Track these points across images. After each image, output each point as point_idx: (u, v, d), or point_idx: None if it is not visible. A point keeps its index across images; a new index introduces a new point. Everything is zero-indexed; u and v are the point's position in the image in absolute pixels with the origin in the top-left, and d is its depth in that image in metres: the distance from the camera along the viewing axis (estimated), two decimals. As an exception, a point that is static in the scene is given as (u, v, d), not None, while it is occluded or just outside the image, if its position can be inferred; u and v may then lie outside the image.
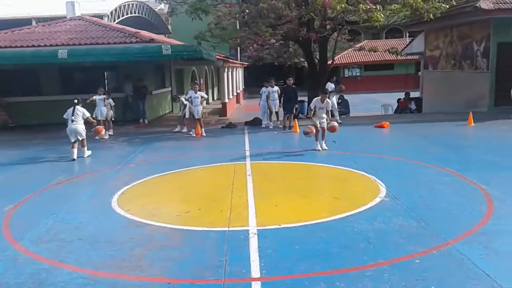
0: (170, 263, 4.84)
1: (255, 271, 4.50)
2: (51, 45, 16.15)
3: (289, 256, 4.83)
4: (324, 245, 5.10)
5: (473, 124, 13.48)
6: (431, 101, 20.65)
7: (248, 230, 5.60)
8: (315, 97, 18.90)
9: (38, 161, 10.85)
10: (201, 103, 14.16)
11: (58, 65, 16.72)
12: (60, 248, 5.32)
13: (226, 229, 5.68)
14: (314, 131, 10.73)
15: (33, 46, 16.22)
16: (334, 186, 7.76)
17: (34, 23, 28.05)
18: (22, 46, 16.27)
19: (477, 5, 15.23)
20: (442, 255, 4.70)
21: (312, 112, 10.89)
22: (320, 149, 10.67)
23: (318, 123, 10.70)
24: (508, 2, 15.46)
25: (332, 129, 10.86)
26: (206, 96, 15.14)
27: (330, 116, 11.27)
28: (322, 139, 10.85)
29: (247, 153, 10.83)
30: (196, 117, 13.95)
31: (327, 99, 10.94)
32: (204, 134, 13.89)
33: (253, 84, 35.55)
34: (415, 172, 8.41)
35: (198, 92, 14.30)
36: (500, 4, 15.35)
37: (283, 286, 4.24)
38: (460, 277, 4.22)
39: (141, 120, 17.28)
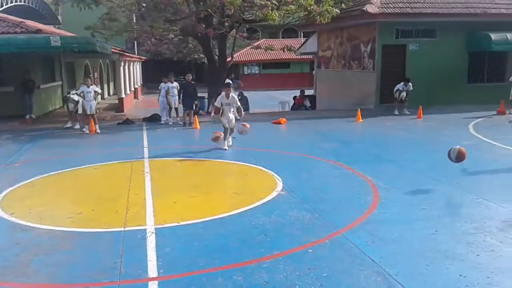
0: (60, 267, 4.56)
1: (152, 271, 4.41)
2: None
3: (187, 253, 4.81)
4: (222, 240, 5.15)
5: (361, 120, 14.47)
6: (324, 99, 21.78)
7: (145, 230, 5.47)
8: (215, 93, 19.07)
9: None
10: (95, 98, 13.48)
11: None
12: None
13: (122, 229, 5.50)
14: (222, 135, 10.34)
15: None
16: (234, 182, 7.87)
17: None
18: None
19: (364, 9, 16.34)
20: (333, 244, 4.99)
21: (220, 112, 10.27)
22: (227, 148, 10.30)
23: (226, 123, 10.24)
24: (392, 7, 16.81)
25: (244, 133, 10.62)
26: (99, 91, 14.44)
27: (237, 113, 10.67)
28: (226, 138, 10.42)
29: (145, 150, 10.56)
30: (89, 113, 13.25)
31: (232, 94, 10.49)
32: (98, 130, 13.26)
33: (151, 80, 34.66)
34: (309, 166, 8.83)
35: (91, 87, 13.57)
36: (384, 9, 16.63)
37: (181, 284, 4.21)
38: (349, 264, 4.50)
39: (27, 116, 16.00)
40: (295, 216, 5.91)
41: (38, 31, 15.71)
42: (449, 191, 6.89)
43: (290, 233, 5.36)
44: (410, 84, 15.50)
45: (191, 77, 14.95)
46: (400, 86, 15.58)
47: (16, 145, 11.42)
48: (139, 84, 35.70)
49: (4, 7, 28.37)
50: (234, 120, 10.46)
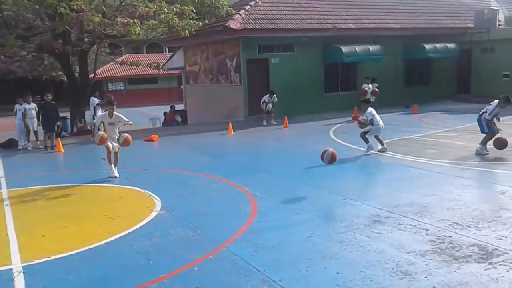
0: None
1: (24, 314, 3.99)
2: None
3: (63, 290, 4.45)
4: (102, 270, 4.87)
5: (233, 132, 14.84)
6: (195, 113, 21.89)
7: (11, 269, 4.94)
8: (78, 112, 18.00)
9: None
10: None
11: None
12: None
13: (-17, 272, 4.88)
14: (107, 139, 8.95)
15: None
16: (108, 206, 7.46)
17: None
18: None
19: (227, 24, 16.86)
20: (218, 259, 5.02)
21: (96, 133, 9.23)
22: (117, 175, 9.04)
23: (110, 146, 9.03)
24: (253, 23, 17.58)
25: (126, 143, 9.13)
26: None
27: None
28: (115, 165, 9.19)
29: (2, 180, 9.51)
30: None
31: (116, 112, 9.04)
32: None
33: (3, 101, 31.40)
34: (187, 182, 8.79)
35: None
36: (246, 25, 17.32)
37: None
38: (235, 276, 4.57)
39: None
40: (177, 234, 5.82)
41: None
42: (319, 194, 7.39)
43: (174, 253, 5.27)
44: (275, 96, 16.35)
45: (50, 97, 13.82)
46: (266, 98, 16.33)
47: None
48: (-12, 107, 32.12)
49: None
50: (120, 141, 9.02)
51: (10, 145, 14.18)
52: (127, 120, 9.17)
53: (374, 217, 6.08)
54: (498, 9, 22.40)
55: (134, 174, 9.50)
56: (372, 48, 19.18)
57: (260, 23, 17.70)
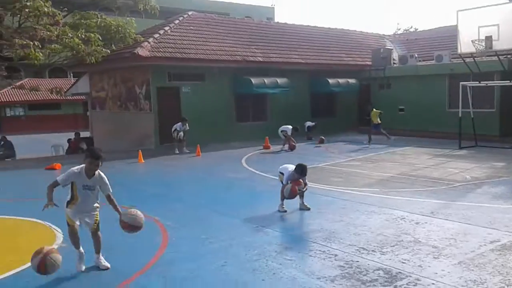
0: None
1: None
2: None
3: None
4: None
5: (143, 161, 14.41)
6: (103, 140, 20.98)
7: None
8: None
9: None
10: None
11: None
12: None
13: None
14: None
15: None
16: (3, 240, 6.80)
17: None
18: None
19: (135, 51, 16.58)
20: (125, 293, 4.76)
21: (68, 200, 5.67)
22: (108, 266, 5.66)
23: (77, 221, 5.81)
24: (162, 51, 17.47)
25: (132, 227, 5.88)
26: None
27: None
28: (98, 252, 5.80)
29: None
30: None
31: (99, 171, 5.61)
32: None
33: None
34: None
35: None
36: (155, 53, 17.16)
37: None
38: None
39: None
40: (82, 269, 5.43)
41: None
42: (232, 222, 7.36)
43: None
44: (187, 124, 16.22)
45: None
46: (178, 126, 16.15)
47: None
48: None
49: None
50: (95, 217, 5.66)
51: None
52: (110, 191, 5.65)
53: (285, 244, 6.18)
54: (392, 49, 24.50)
55: (33, 204, 8.74)
56: (280, 80, 19.93)
57: (170, 52, 17.65)
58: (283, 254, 5.77)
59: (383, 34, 30.87)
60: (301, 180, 7.89)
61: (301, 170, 7.84)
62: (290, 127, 16.48)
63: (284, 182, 7.92)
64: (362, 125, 21.85)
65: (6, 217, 8.02)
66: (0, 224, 7.76)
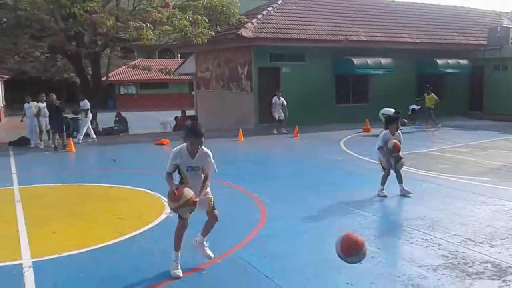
0: None
1: (33, 309, 4.00)
2: None
3: (72, 287, 4.45)
4: (111, 269, 4.87)
5: (243, 139, 14.85)
6: (205, 119, 21.90)
7: (21, 264, 4.95)
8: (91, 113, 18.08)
9: None
10: None
11: None
12: None
13: (-7, 266, 4.90)
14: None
15: None
16: (118, 207, 7.47)
17: None
18: None
19: (239, 32, 16.95)
20: (226, 264, 5.00)
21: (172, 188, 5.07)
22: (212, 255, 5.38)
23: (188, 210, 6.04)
24: (265, 32, 17.67)
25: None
26: None
27: None
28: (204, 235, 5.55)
29: (14, 177, 9.59)
30: None
31: (204, 149, 5.16)
32: None
33: (17, 100, 31.75)
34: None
35: None
36: (258, 33, 17.42)
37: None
38: (244, 282, 4.56)
39: None
40: (185, 237, 5.77)
41: None
42: (329, 203, 7.35)
43: (183, 255, 5.24)
44: (283, 99, 16.23)
45: (55, 97, 13.78)
46: (274, 99, 16.25)
47: None
48: (2, 105, 32.49)
49: None
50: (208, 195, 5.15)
51: (22, 143, 14.30)
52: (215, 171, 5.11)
53: (384, 229, 6.04)
54: (510, 27, 22.34)
55: (144, 176, 9.53)
56: (383, 61, 19.18)
57: (272, 32, 17.80)
58: (382, 239, 5.66)
59: (500, 11, 28.23)
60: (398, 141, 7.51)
61: (391, 118, 7.56)
62: (392, 110, 15.86)
63: (381, 144, 7.56)
64: (473, 109, 20.38)
65: (120, 186, 8.76)
66: (114, 192, 8.49)
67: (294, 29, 18.41)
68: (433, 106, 17.46)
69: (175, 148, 4.90)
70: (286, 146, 13.95)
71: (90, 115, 14.92)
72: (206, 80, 22.39)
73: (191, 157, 4.88)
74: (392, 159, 7.60)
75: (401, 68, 19.91)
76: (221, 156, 12.04)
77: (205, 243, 5.06)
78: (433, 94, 17.57)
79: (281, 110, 16.27)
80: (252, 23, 17.83)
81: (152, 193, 8.05)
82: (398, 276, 4.60)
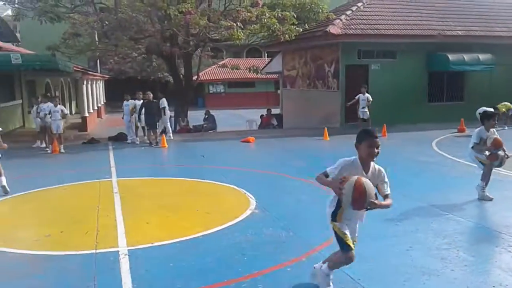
0: (31, 294, 4.36)
1: (128, 294, 4.27)
2: None
3: (163, 275, 4.69)
4: (199, 260, 5.05)
5: (328, 138, 14.68)
6: (291, 117, 22.02)
7: (118, 251, 5.30)
8: (182, 112, 18.94)
9: None
10: (62, 117, 13.09)
11: None
12: None
13: (94, 251, 5.31)
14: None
15: None
16: (206, 201, 7.75)
17: None
18: None
19: (327, 30, 16.75)
20: (311, 262, 4.94)
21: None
22: None
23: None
24: (354, 28, 17.30)
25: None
26: (67, 111, 13.91)
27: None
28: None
29: (113, 170, 10.32)
30: (55, 132, 12.87)
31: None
32: (62, 150, 12.86)
33: (115, 98, 34.15)
34: (281, 184, 8.85)
35: (58, 106, 13.21)
36: (346, 30, 17.10)
37: (159, 307, 4.09)
38: (328, 281, 4.49)
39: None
40: (270, 234, 5.88)
41: (-2, 48, 15.27)
42: (420, 207, 7.03)
43: (267, 251, 5.32)
44: (368, 95, 15.77)
45: (151, 95, 14.57)
46: (359, 96, 15.82)
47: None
48: (103, 103, 35.10)
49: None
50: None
51: (120, 138, 15.35)
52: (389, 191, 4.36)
53: (480, 236, 5.65)
54: None
55: (231, 172, 9.79)
56: (482, 56, 17.93)
57: (361, 28, 17.37)
58: (477, 247, 5.30)
59: None
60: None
61: (486, 114, 7.00)
62: (492, 110, 14.76)
63: (475, 141, 7.04)
64: None
65: (209, 181, 9.07)
66: (203, 187, 8.82)
67: (384, 24, 17.84)
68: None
69: (347, 158, 4.18)
70: (374, 146, 13.55)
71: (168, 113, 15.52)
72: (292, 79, 22.43)
73: (364, 172, 4.07)
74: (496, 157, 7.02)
75: (503, 65, 18.45)
76: (305, 155, 12.12)
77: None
78: (506, 103, 16.13)
79: (366, 110, 15.81)
80: (341, 20, 17.55)
81: (239, 189, 8.23)
82: (494, 286, 4.28)
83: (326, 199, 7.25)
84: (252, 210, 6.92)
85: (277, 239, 5.68)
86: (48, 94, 22.45)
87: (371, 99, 15.80)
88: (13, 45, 29.96)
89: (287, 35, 16.37)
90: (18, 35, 39.21)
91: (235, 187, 8.41)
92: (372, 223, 6.22)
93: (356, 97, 15.88)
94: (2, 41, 23.27)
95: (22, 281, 4.61)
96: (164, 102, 15.18)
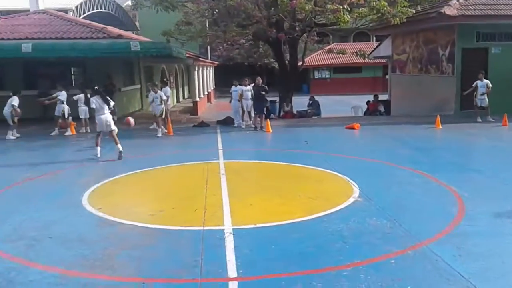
0: (144, 262, 4.73)
1: (232, 271, 4.44)
2: (14, 39, 15.60)
3: (265, 256, 4.80)
4: (299, 245, 5.09)
5: (440, 126, 13.81)
6: (399, 104, 21.08)
7: (223, 230, 5.53)
8: (287, 97, 19.09)
9: (2, 158, 10.46)
10: (162, 102, 13.88)
11: (22, 59, 16.16)
12: (29, 246, 5.12)
13: (201, 228, 5.60)
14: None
15: (-5, 39, 15.65)
16: (308, 186, 7.76)
17: (-4, 15, 27.08)
18: (-17, 39, 15.68)
19: (442, 11, 15.65)
20: (417, 256, 4.76)
21: None
22: None
23: None
24: (472, 9, 15.96)
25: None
26: (165, 97, 14.63)
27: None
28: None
29: (220, 152, 10.76)
30: (157, 114, 13.78)
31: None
32: (159, 135, 13.45)
33: (223, 84, 35.44)
34: (386, 173, 8.55)
35: (159, 92, 14.06)
36: (464, 11, 15.83)
37: (260, 286, 4.21)
38: (435, 277, 4.27)
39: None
40: (374, 224, 5.72)
41: (119, 36, 16.56)
42: (544, 204, 6.37)
43: (370, 241, 5.19)
44: (486, 81, 14.53)
45: (261, 81, 14.88)
46: (477, 82, 14.62)
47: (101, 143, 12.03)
48: (212, 88, 36.62)
49: (86, 13, 30.31)
50: None
51: (227, 122, 15.92)
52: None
53: None
54: None
55: (333, 159, 9.68)
56: None
57: (480, 9, 15.99)
58: None
59: None
60: None
61: None
62: None
63: None
64: None
65: (311, 167, 9.04)
66: (305, 172, 8.80)
67: (506, 4, 16.23)
68: None
69: None
70: (492, 137, 12.48)
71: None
72: (402, 63, 21.39)
73: None
74: None
75: None
76: (414, 143, 11.56)
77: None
78: None
79: (485, 97, 14.57)
80: (457, 0, 16.29)
81: (342, 176, 8.12)
82: None
83: (439, 192, 6.89)
84: (355, 198, 6.79)
85: (381, 230, 5.51)
86: (165, 79, 23.98)
87: (490, 86, 14.54)
88: (133, 33, 32.42)
89: (397, 18, 15.59)
90: (137, 23, 42.28)
91: (338, 174, 8.30)
92: (487, 219, 5.80)
93: (474, 84, 14.70)
94: (123, 29, 25.31)
95: (135, 251, 5.02)
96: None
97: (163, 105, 13.87)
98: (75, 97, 13.94)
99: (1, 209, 6.52)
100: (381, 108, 20.76)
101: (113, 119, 10.19)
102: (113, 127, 10.02)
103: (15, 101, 13.00)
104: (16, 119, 13.08)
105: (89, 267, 4.59)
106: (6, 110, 13.03)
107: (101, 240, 5.34)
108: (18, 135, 13.30)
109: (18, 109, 12.96)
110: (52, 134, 13.62)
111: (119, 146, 10.00)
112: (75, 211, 6.37)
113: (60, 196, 7.22)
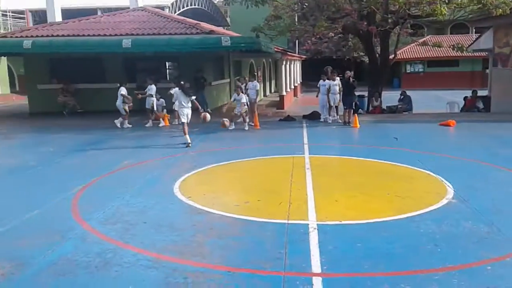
0: (230, 251, 4.85)
1: (316, 266, 4.42)
2: (115, 35, 16.69)
3: (350, 254, 4.71)
4: (387, 244, 4.93)
5: (548, 126, 12.63)
6: (500, 101, 19.47)
7: (307, 224, 5.51)
8: (376, 92, 18.51)
9: (104, 146, 11.30)
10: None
11: (122, 54, 17.26)
12: (126, 230, 5.48)
13: (286, 221, 5.63)
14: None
15: (99, 35, 16.85)
16: (397, 184, 7.47)
17: (99, 13, 29.24)
18: (88, 35, 16.95)
19: (555, -1, 14.20)
20: (516, 263, 4.41)
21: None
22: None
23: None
24: None
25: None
26: (244, 101, 14.60)
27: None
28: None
29: (306, 146, 10.71)
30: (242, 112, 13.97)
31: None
32: (246, 128, 13.57)
33: (310, 78, 35.20)
34: (484, 174, 7.99)
35: (241, 94, 14.07)
36: None
37: (345, 284, 4.14)
38: (539, 288, 3.93)
39: (201, 110, 17.44)
40: (469, 227, 5.38)
41: (211, 32, 17.05)
42: None
43: (464, 245, 4.89)
44: None
45: (350, 75, 14.54)
46: None
47: (191, 137, 12.53)
48: (299, 82, 36.55)
49: (181, 10, 31.66)
50: None
51: (313, 117, 15.79)
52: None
53: None
54: None
55: (426, 157, 9.24)
56: None
57: None
58: None
59: None
60: None
61: None
62: None
63: None
64: None
65: (400, 164, 8.70)
66: (394, 170, 8.48)
67: None
68: None
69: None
70: None
71: None
72: (504, 57, 19.73)
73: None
74: None
75: None
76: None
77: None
78: None
79: None
80: None
81: (435, 175, 7.72)
82: None
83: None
84: (449, 199, 6.43)
85: (477, 234, 5.17)
86: (255, 73, 24.35)
87: None
88: (224, 28, 33.33)
89: (500, 9, 14.42)
90: (228, 19, 43.38)
91: (431, 173, 7.90)
92: None
93: None
94: (214, 25, 26.08)
95: (221, 240, 5.16)
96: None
97: (246, 106, 13.94)
98: (171, 91, 14.61)
99: (105, 193, 7.04)
100: (480, 105, 19.37)
101: (206, 111, 10.78)
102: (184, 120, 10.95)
103: (123, 90, 14.12)
104: (127, 107, 14.06)
105: (179, 252, 4.81)
106: (118, 102, 14.11)
107: (190, 227, 5.57)
108: (130, 125, 14.25)
109: (129, 96, 14.02)
110: (147, 125, 14.44)
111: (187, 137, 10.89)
112: (167, 199, 6.70)
113: (153, 184, 7.64)
